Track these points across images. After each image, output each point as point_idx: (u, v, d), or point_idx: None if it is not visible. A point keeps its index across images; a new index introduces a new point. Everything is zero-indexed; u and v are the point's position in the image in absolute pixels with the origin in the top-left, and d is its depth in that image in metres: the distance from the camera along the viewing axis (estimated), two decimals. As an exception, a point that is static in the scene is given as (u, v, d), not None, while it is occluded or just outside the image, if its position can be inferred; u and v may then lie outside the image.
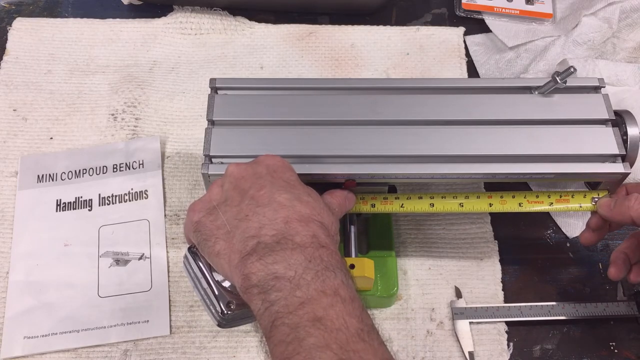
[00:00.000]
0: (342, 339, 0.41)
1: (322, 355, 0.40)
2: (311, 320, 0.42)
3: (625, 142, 0.58)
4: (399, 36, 0.82)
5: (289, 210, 0.47)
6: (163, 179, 0.69)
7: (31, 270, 0.63)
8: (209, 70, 0.78)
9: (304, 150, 0.58)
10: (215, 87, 0.61)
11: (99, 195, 0.68)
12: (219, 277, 0.50)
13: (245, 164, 0.52)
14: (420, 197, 0.60)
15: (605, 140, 0.58)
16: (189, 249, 0.52)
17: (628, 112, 0.59)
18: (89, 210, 0.67)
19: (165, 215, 0.67)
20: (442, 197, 0.60)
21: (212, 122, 0.59)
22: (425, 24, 0.84)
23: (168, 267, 0.64)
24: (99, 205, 0.67)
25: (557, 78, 0.59)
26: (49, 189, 0.68)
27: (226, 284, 0.50)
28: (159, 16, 0.82)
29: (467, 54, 0.81)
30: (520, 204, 0.59)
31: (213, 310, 0.50)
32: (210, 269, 0.50)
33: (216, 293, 0.50)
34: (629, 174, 0.57)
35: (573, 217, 0.68)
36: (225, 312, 0.49)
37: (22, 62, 0.78)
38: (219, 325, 0.51)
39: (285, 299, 0.43)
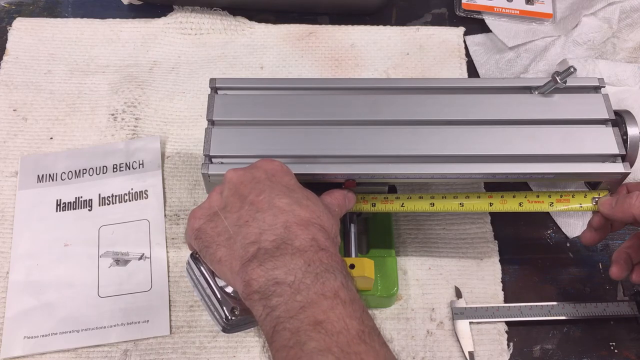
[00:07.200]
0: (343, 342, 0.41)
1: (323, 359, 0.40)
2: (312, 324, 0.42)
3: (625, 142, 0.58)
4: (399, 36, 0.82)
5: (289, 215, 0.47)
6: (163, 179, 0.69)
7: (31, 270, 0.63)
8: (209, 70, 0.78)
9: (304, 150, 0.58)
10: (215, 87, 0.61)
11: (99, 195, 0.68)
12: (222, 283, 0.50)
13: (244, 169, 0.52)
14: (421, 197, 0.60)
15: (605, 140, 0.58)
16: (191, 255, 0.52)
17: (628, 112, 0.59)
18: (89, 210, 0.67)
19: (165, 215, 0.67)
20: (442, 197, 0.60)
21: (212, 122, 0.59)
22: (425, 24, 0.84)
23: (168, 267, 0.64)
24: (99, 205, 0.67)
25: (557, 78, 0.59)
26: (49, 189, 0.68)
27: (229, 289, 0.50)
28: (159, 16, 0.82)
29: (467, 54, 0.81)
30: (520, 204, 0.59)
31: (217, 316, 0.50)
32: (213, 275, 0.50)
33: (220, 299, 0.50)
34: (629, 173, 0.57)
35: (573, 217, 0.68)
36: (230, 317, 0.49)
37: (22, 62, 0.78)
38: (223, 331, 0.51)
39: (286, 304, 0.43)
